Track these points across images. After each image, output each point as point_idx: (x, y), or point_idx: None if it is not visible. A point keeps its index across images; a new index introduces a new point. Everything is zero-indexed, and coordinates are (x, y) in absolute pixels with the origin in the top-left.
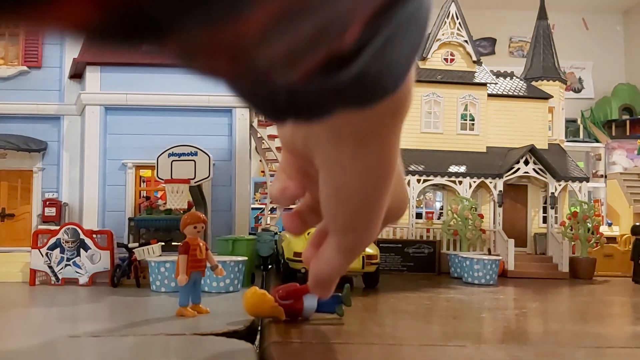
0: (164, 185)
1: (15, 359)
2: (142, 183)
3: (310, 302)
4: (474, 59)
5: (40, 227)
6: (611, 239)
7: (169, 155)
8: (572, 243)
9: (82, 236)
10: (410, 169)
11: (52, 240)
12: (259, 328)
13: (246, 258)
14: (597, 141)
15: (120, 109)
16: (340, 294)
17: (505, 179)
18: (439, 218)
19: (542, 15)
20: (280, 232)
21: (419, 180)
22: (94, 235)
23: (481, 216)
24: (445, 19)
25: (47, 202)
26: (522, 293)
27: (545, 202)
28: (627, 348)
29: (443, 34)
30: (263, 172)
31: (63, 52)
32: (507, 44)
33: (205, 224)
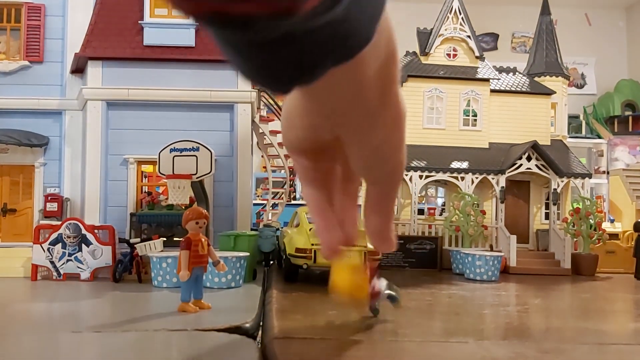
0: (165, 180)
1: (17, 354)
2: (143, 178)
3: (382, 285)
4: (477, 54)
5: (42, 222)
6: (613, 236)
7: (171, 150)
8: (575, 239)
9: (83, 231)
10: (413, 164)
11: (54, 236)
12: (261, 324)
13: (248, 254)
14: (600, 137)
15: (122, 104)
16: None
17: (507, 175)
18: (441, 214)
19: (545, 10)
20: (281, 227)
21: (421, 176)
22: (96, 231)
23: (483, 212)
24: (448, 14)
25: (49, 197)
26: (524, 289)
27: (547, 199)
28: (629, 344)
29: (446, 30)
30: (265, 167)
31: (65, 46)
32: (509, 40)
33: (207, 219)
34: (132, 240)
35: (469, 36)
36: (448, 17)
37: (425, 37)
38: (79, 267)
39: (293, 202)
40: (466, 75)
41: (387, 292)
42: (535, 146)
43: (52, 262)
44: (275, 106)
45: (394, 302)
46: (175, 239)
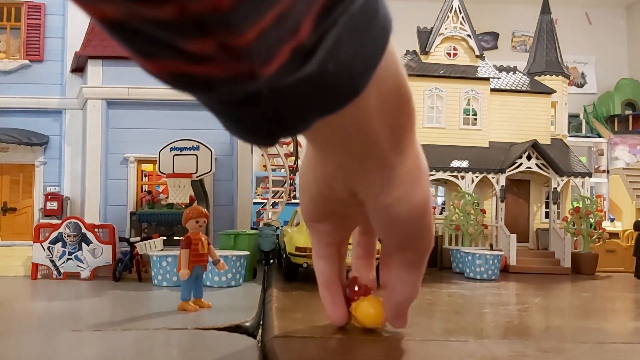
0: (165, 179)
1: (17, 353)
2: (144, 177)
3: None
4: (477, 53)
5: (42, 221)
6: (614, 235)
7: (171, 149)
8: (575, 238)
9: (83, 230)
10: None
11: (54, 234)
12: (261, 323)
13: (248, 253)
14: (600, 136)
15: (122, 103)
16: None
17: (507, 174)
18: (440, 213)
19: (545, 9)
20: (281, 226)
21: None
22: (96, 230)
23: (483, 211)
24: (448, 13)
25: (49, 196)
26: (524, 288)
27: (547, 198)
28: (629, 344)
29: (446, 28)
30: (265, 166)
31: (65, 45)
32: (510, 39)
33: (207, 218)
34: (132, 239)
35: (469, 35)
36: (448, 16)
37: (425, 36)
38: (79, 266)
39: (293, 201)
40: (466, 74)
41: None
42: (535, 145)
43: (52, 261)
44: None
45: None
46: (175, 237)
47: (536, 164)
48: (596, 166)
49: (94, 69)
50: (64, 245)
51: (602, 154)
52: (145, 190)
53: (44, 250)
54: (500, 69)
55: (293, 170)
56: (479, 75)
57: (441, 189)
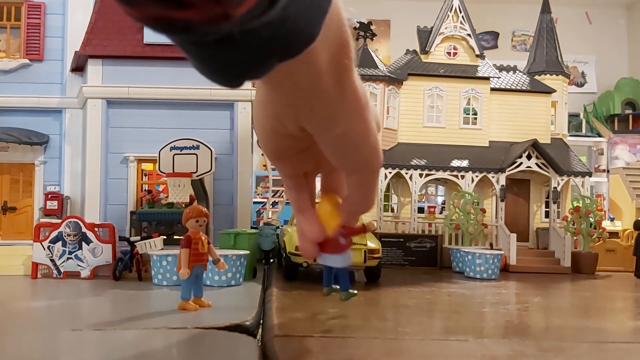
0: (165, 178)
1: (17, 352)
2: (144, 176)
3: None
4: (477, 52)
5: (42, 220)
6: (613, 234)
7: (171, 148)
8: (575, 238)
9: (84, 229)
10: (413, 163)
11: (54, 234)
12: (261, 322)
13: (248, 252)
14: (600, 136)
15: (122, 102)
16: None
17: (507, 173)
18: (441, 212)
19: (546, 8)
20: (281, 226)
21: (421, 175)
22: (96, 229)
23: (483, 211)
24: (448, 12)
25: (49, 196)
26: (524, 288)
27: (547, 197)
28: (629, 343)
29: (446, 28)
30: (265, 166)
31: (65, 44)
32: (510, 38)
33: (207, 217)
34: (133, 239)
35: (469, 34)
36: (448, 16)
37: (425, 36)
38: (79, 265)
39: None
40: (466, 74)
41: (340, 268)
42: (535, 145)
43: (52, 260)
44: None
45: (342, 290)
46: (175, 237)
47: (536, 164)
48: (596, 165)
49: (94, 68)
50: (64, 244)
51: (602, 154)
52: (145, 190)
53: (44, 249)
54: (500, 69)
55: None
56: (479, 74)
57: (441, 189)
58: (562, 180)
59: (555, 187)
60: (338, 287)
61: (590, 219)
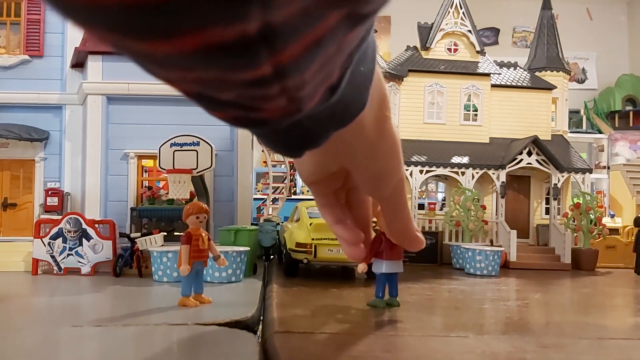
0: (166, 175)
1: (18, 348)
2: (144, 173)
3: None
4: (478, 49)
5: (42, 216)
6: (614, 231)
7: (171, 145)
8: (575, 234)
9: (84, 226)
10: (413, 159)
11: (55, 230)
12: (261, 318)
13: (248, 248)
14: (600, 132)
15: (122, 98)
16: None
17: (508, 170)
18: (441, 209)
19: (546, 5)
20: (281, 222)
21: (421, 171)
22: (96, 225)
23: (483, 207)
24: (449, 8)
25: (49, 192)
26: (524, 284)
27: (547, 193)
28: (629, 339)
29: (446, 24)
30: (265, 162)
31: (65, 40)
32: (510, 34)
33: (208, 214)
34: (133, 235)
35: (469, 31)
36: (449, 12)
37: (426, 32)
38: (79, 262)
39: (293, 196)
40: (467, 70)
41: (394, 274)
42: (535, 141)
43: (52, 257)
44: None
45: (393, 296)
46: (175, 233)
47: (536, 160)
48: (596, 162)
49: (94, 64)
50: (65, 240)
51: (603, 150)
52: (145, 186)
53: (45, 245)
54: (501, 65)
55: (293, 166)
56: (480, 71)
57: (442, 185)
58: (563, 176)
59: (555, 184)
60: (382, 297)
61: (591, 215)
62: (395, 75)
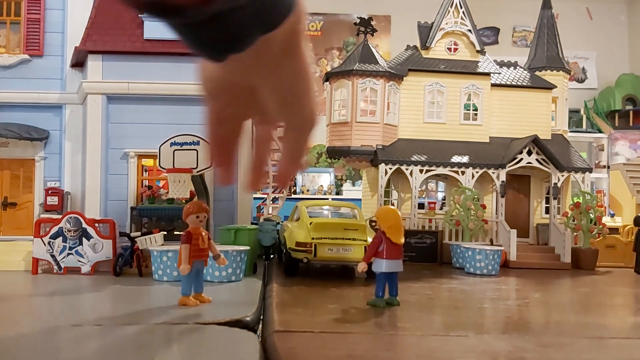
0: (166, 174)
1: (18, 347)
2: (144, 172)
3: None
4: (478, 48)
5: (42, 215)
6: (614, 230)
7: (171, 144)
8: (575, 234)
9: (84, 225)
10: (413, 159)
11: (55, 229)
12: (261, 317)
13: (248, 247)
14: (600, 131)
15: (122, 97)
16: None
17: (508, 169)
18: (441, 208)
19: (546, 4)
20: (281, 221)
21: (421, 171)
22: (96, 224)
23: (483, 206)
24: (449, 8)
25: (49, 191)
26: (524, 283)
27: (547, 193)
28: (629, 339)
29: (446, 23)
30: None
31: (65, 40)
32: (510, 34)
33: (208, 213)
34: (133, 234)
35: (469, 30)
36: (449, 11)
37: (426, 31)
38: (79, 261)
39: (293, 196)
40: (467, 70)
41: (395, 274)
42: (535, 140)
43: (52, 256)
44: None
45: (393, 295)
46: (175, 232)
47: (536, 159)
48: (596, 161)
49: (94, 63)
50: (65, 240)
51: (603, 149)
52: (145, 185)
53: (45, 245)
54: (501, 64)
55: None
56: (480, 70)
57: (442, 184)
58: (563, 176)
59: (555, 183)
60: (382, 297)
61: (591, 214)
62: (396, 75)
